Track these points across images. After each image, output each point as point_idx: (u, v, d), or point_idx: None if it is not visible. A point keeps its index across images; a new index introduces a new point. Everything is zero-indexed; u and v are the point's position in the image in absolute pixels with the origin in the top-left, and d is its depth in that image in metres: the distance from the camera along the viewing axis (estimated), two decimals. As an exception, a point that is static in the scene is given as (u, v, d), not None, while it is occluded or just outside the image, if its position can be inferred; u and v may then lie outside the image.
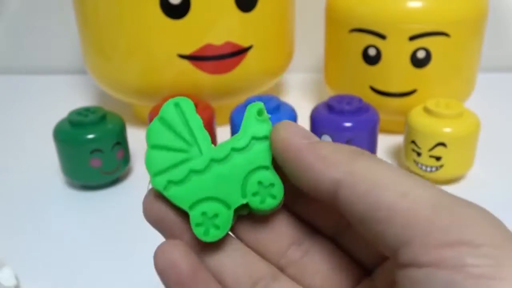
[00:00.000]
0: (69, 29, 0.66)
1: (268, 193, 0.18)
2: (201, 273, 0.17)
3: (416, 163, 0.43)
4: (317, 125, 0.44)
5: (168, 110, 0.18)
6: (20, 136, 0.57)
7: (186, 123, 0.18)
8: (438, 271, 0.13)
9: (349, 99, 0.44)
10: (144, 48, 0.49)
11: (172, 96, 0.18)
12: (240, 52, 0.51)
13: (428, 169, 0.43)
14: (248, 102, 0.45)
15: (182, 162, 0.18)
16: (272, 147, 0.18)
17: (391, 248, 0.15)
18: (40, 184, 0.46)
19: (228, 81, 0.52)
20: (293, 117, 0.45)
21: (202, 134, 0.18)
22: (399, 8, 0.47)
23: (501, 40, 0.75)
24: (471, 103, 0.51)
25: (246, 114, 0.19)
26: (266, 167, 0.18)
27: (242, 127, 0.18)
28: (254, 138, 0.18)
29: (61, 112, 0.45)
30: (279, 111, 0.44)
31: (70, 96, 0.70)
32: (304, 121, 0.46)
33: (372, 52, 0.49)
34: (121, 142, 0.44)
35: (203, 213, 0.18)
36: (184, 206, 0.18)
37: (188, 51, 0.49)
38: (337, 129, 0.43)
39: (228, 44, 0.50)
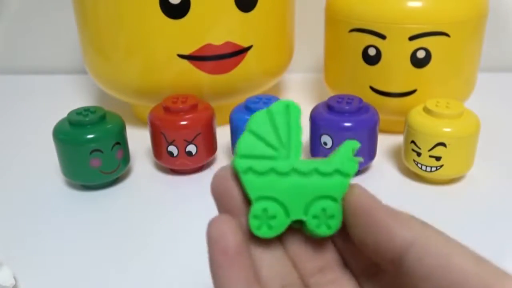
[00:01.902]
0: (69, 29, 0.66)
1: (326, 222, 0.19)
2: (244, 251, 0.18)
3: (416, 163, 0.43)
4: (317, 125, 0.44)
5: (279, 108, 0.20)
6: (20, 136, 0.57)
7: (288, 126, 0.20)
8: None
9: (349, 99, 0.44)
10: (144, 48, 0.49)
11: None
12: (240, 52, 0.51)
13: (428, 169, 0.43)
14: (248, 102, 0.45)
15: (269, 157, 0.19)
16: (346, 203, 0.19)
17: None
18: (40, 184, 0.46)
19: (228, 81, 0.52)
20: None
21: (297, 142, 0.20)
22: (399, 8, 0.47)
23: (501, 40, 0.75)
24: (471, 103, 0.51)
25: (343, 147, 0.20)
26: (335, 200, 0.19)
27: (333, 155, 0.20)
28: (338, 171, 0.19)
29: (61, 112, 0.45)
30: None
31: (70, 96, 0.70)
32: (304, 121, 0.46)
33: (372, 52, 0.49)
34: (121, 142, 0.44)
35: (264, 210, 0.19)
36: (252, 195, 0.19)
37: (188, 51, 0.49)
38: (337, 129, 0.43)
39: (228, 44, 0.49)
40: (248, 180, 0.19)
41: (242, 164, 0.19)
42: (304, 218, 0.19)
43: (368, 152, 0.44)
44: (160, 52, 0.49)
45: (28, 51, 0.80)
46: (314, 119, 0.44)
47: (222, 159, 0.50)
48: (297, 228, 0.20)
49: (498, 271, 0.16)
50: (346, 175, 0.19)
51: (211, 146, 0.47)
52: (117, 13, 0.48)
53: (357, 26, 0.49)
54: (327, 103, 0.44)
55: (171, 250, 0.37)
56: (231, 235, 0.18)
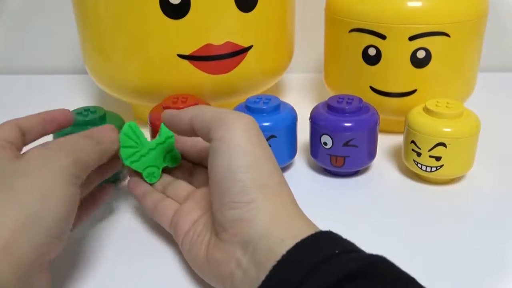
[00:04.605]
0: (69, 29, 0.66)
1: (174, 161, 0.39)
2: (148, 193, 0.38)
3: (416, 163, 0.43)
4: (317, 125, 0.44)
5: (127, 128, 0.36)
6: (20, 136, 0.57)
7: (136, 134, 0.36)
8: (219, 143, 0.30)
9: (349, 99, 0.44)
10: (144, 48, 0.49)
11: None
12: (240, 52, 0.51)
13: (428, 169, 0.43)
14: (248, 102, 0.45)
15: (136, 152, 0.37)
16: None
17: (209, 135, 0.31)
18: (40, 184, 0.46)
19: (228, 81, 0.52)
20: (293, 117, 0.45)
21: (144, 139, 0.37)
22: (399, 8, 0.47)
23: (501, 40, 0.75)
24: (471, 103, 0.51)
25: (162, 125, 0.37)
26: (172, 150, 0.38)
27: (160, 131, 0.38)
28: (167, 136, 0.38)
29: (61, 112, 0.45)
30: (279, 111, 0.44)
31: (70, 96, 0.70)
32: (304, 121, 0.46)
33: (372, 52, 0.49)
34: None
35: (148, 172, 0.38)
36: (140, 170, 0.38)
37: (188, 51, 0.49)
38: (337, 129, 0.43)
39: (228, 44, 0.50)
40: (135, 166, 0.37)
41: (129, 162, 0.37)
42: (165, 164, 0.38)
43: (368, 152, 0.45)
44: (160, 52, 0.49)
45: (28, 51, 0.80)
46: (314, 119, 0.44)
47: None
48: (167, 168, 0.39)
49: (225, 121, 0.30)
50: (170, 136, 0.38)
51: (211, 146, 0.47)
52: (117, 13, 0.48)
53: (357, 26, 0.49)
54: (327, 103, 0.44)
55: (171, 250, 0.37)
56: (137, 188, 0.38)
